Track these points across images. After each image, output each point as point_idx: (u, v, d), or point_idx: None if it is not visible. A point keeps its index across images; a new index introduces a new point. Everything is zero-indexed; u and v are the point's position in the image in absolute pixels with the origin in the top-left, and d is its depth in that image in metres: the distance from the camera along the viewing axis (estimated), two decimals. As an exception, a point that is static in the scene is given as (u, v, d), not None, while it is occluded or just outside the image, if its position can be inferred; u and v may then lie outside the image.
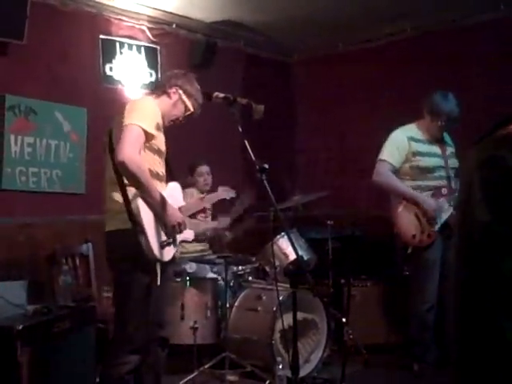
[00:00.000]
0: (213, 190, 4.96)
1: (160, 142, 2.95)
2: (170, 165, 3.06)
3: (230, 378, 4.23)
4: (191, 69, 5.29)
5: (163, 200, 2.82)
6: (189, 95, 3.06)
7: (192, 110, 3.09)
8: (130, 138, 2.69)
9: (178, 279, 4.47)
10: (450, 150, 4.13)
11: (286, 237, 4.56)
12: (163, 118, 2.97)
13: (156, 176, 2.90)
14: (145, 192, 2.74)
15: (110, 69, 4.88)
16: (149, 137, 2.80)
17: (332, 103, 6.34)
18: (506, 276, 1.12)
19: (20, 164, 4.28)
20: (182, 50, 5.36)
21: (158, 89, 3.11)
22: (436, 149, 4.07)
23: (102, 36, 4.77)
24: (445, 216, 3.97)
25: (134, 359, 2.79)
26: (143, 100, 3.03)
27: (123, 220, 2.74)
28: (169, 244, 2.87)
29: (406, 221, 4.02)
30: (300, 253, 4.54)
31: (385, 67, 5.91)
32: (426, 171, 4.02)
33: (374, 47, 6.00)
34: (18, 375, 3.01)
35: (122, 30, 4.94)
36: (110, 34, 4.83)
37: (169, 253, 2.90)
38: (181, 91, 3.04)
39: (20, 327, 3.07)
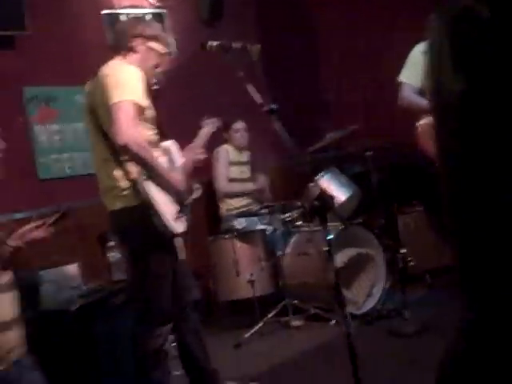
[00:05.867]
0: (249, 146, 4.96)
1: (150, 108, 2.79)
2: (161, 126, 2.91)
3: (295, 323, 4.26)
4: (202, 25, 5.23)
5: (167, 172, 2.76)
6: (154, 38, 2.83)
7: (167, 50, 2.88)
8: (127, 117, 2.53)
9: (227, 236, 4.50)
10: None
11: (325, 176, 4.50)
12: (144, 76, 2.74)
13: (153, 145, 2.78)
14: (149, 169, 2.65)
15: (121, 41, 4.83)
16: (142, 109, 2.66)
17: (354, 29, 6.05)
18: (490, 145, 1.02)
19: (52, 152, 4.34)
20: (189, 7, 5.22)
21: (118, 49, 2.83)
22: None
23: (105, 11, 4.72)
24: None
25: (164, 331, 2.77)
26: (121, 70, 2.69)
27: (128, 197, 2.68)
28: (181, 214, 2.83)
29: (429, 136, 3.90)
30: (342, 190, 4.50)
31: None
32: None
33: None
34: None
35: (124, 0, 4.86)
36: (112, 8, 4.77)
37: (182, 223, 2.85)
38: (144, 39, 2.81)
39: (75, 307, 3.17)
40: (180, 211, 2.82)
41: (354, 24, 5.99)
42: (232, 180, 4.90)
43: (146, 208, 2.63)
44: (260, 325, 4.15)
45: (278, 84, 5.50)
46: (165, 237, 2.72)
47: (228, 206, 4.88)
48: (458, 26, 1.02)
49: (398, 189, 4.82)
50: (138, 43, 2.81)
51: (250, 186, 4.95)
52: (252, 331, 4.11)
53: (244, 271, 4.38)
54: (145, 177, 2.66)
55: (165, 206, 2.73)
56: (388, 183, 4.62)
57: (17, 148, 4.21)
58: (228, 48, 2.43)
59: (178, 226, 2.80)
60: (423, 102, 3.91)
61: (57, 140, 4.37)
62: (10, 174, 3.80)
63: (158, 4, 4.99)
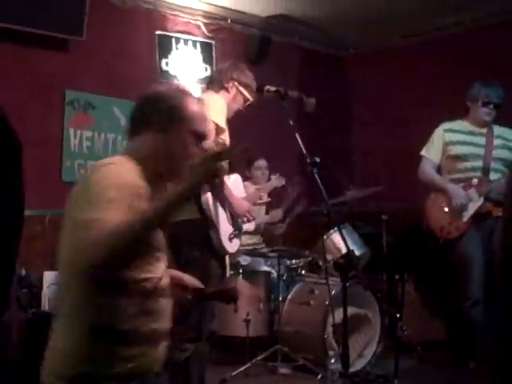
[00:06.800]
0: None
1: (227, 136, 3.00)
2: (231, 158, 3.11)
3: (282, 370, 4.22)
4: (246, 64, 5.34)
5: (230, 192, 2.90)
6: (245, 86, 3.09)
7: (251, 99, 3.13)
8: None
9: (232, 272, 4.51)
10: (500, 142, 4.04)
11: (338, 231, 4.53)
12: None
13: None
14: (214, 186, 2.81)
15: (166, 64, 4.95)
16: (220, 131, 2.87)
17: (388, 97, 6.23)
18: None
19: (79, 157, 4.40)
20: (237, 44, 5.38)
21: (213, 84, 3.12)
22: (478, 139, 4.01)
23: (158, 32, 4.86)
24: (473, 207, 3.90)
25: (190, 347, 2.85)
26: (211, 96, 3.03)
27: (190, 210, 2.79)
28: (236, 236, 2.95)
29: (435, 214, 4.04)
30: (352, 247, 4.52)
31: (442, 60, 5.76)
32: (457, 160, 3.99)
33: (431, 40, 5.85)
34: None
35: (178, 25, 5.01)
36: (166, 30, 4.91)
37: (235, 245, 2.99)
38: (237, 84, 3.08)
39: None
40: (234, 233, 2.95)
41: (388, 93, 6.18)
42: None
43: (205, 221, 2.77)
44: (248, 365, 4.13)
45: (309, 134, 5.59)
46: (218, 252, 2.85)
47: (238, 241, 4.91)
48: None
49: (406, 256, 4.86)
50: (232, 85, 3.08)
51: (260, 219, 4.95)
52: (239, 370, 4.09)
53: (241, 309, 4.38)
54: (209, 194, 2.80)
55: (222, 223, 2.87)
56: (398, 249, 4.67)
57: (49, 148, 4.30)
58: (284, 95, 2.52)
59: (230, 246, 2.92)
60: (437, 178, 4.06)
61: (86, 146, 4.45)
62: (37, 171, 3.89)
63: (209, 35, 5.14)
